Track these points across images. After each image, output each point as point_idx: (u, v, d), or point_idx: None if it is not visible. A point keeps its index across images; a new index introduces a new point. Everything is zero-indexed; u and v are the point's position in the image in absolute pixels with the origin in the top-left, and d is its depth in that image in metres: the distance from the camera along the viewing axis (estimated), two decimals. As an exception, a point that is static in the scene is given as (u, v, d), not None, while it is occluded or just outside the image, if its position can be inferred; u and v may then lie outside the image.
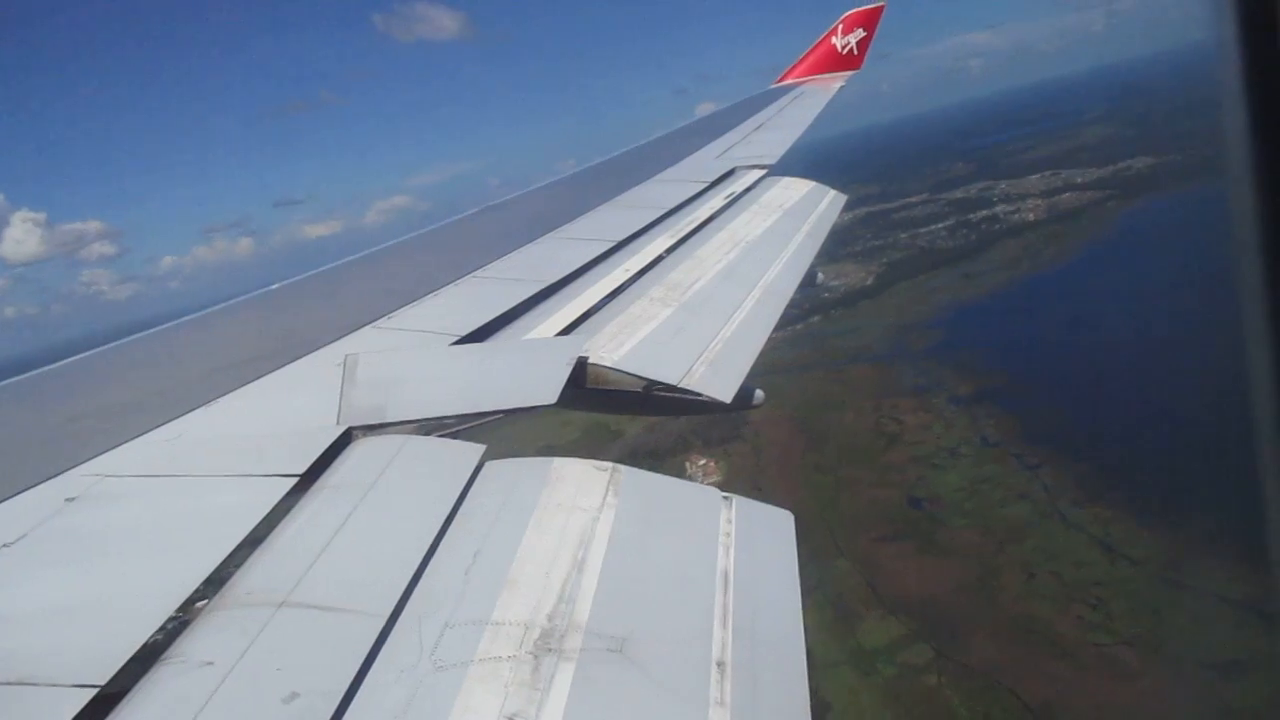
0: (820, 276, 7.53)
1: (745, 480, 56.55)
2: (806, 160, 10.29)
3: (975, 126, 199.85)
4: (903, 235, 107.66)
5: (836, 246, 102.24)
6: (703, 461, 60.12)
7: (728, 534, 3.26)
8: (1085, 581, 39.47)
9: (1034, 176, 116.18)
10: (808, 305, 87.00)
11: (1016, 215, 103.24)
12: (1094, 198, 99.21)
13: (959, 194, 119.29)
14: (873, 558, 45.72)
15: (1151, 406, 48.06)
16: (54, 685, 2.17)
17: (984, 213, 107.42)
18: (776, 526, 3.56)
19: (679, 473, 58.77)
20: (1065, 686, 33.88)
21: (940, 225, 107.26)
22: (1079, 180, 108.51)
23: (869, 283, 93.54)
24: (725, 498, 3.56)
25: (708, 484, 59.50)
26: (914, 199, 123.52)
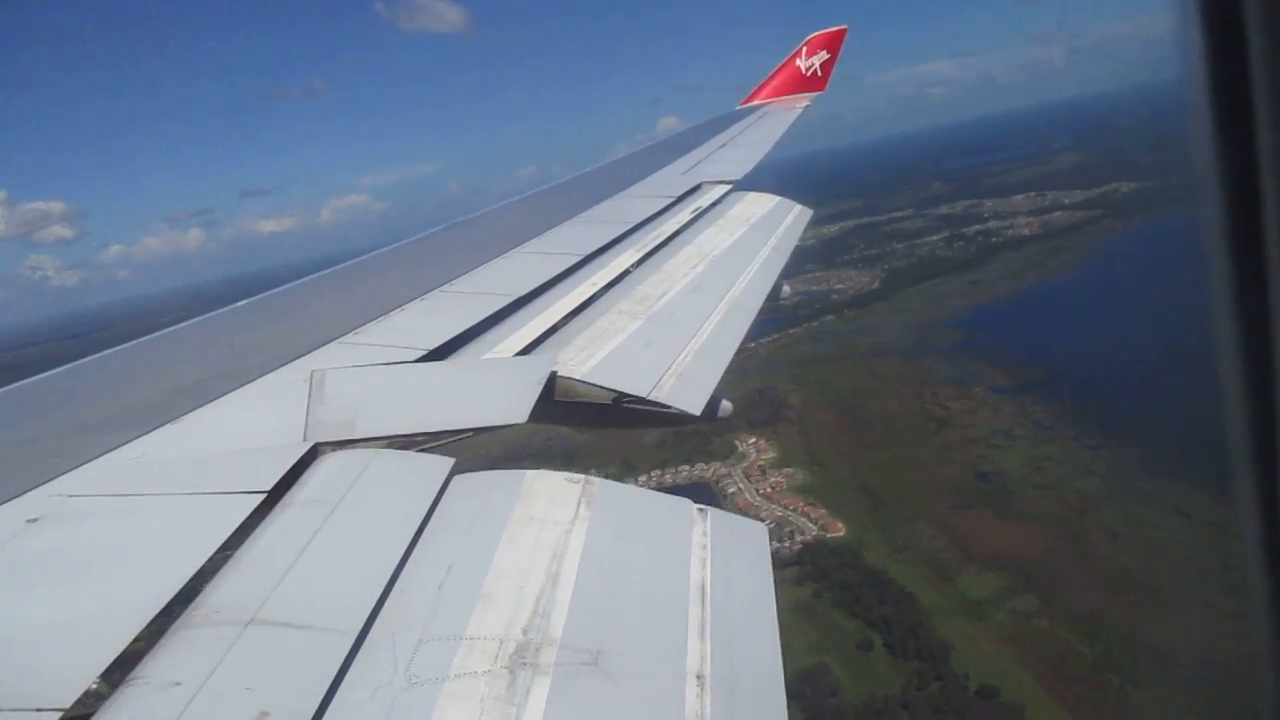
0: (786, 289, 7.55)
1: (802, 456, 59.11)
2: (776, 178, 10.56)
3: (944, 151, 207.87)
4: (899, 245, 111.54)
5: (834, 254, 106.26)
6: (752, 440, 62.17)
7: (704, 546, 3.33)
8: (1172, 542, 42.16)
9: (1019, 196, 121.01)
10: (819, 305, 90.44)
11: (1011, 230, 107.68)
12: (1087, 216, 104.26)
13: (945, 210, 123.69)
14: (953, 523, 48.41)
15: (1193, 398, 51.65)
16: (17, 710, 2.20)
17: (977, 227, 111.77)
18: (751, 539, 3.63)
19: (730, 451, 61.03)
20: (1179, 628, 36.70)
21: (935, 238, 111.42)
22: (1066, 201, 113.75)
23: (875, 286, 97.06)
24: (700, 509, 3.62)
25: (763, 461, 61.30)
26: (900, 214, 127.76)
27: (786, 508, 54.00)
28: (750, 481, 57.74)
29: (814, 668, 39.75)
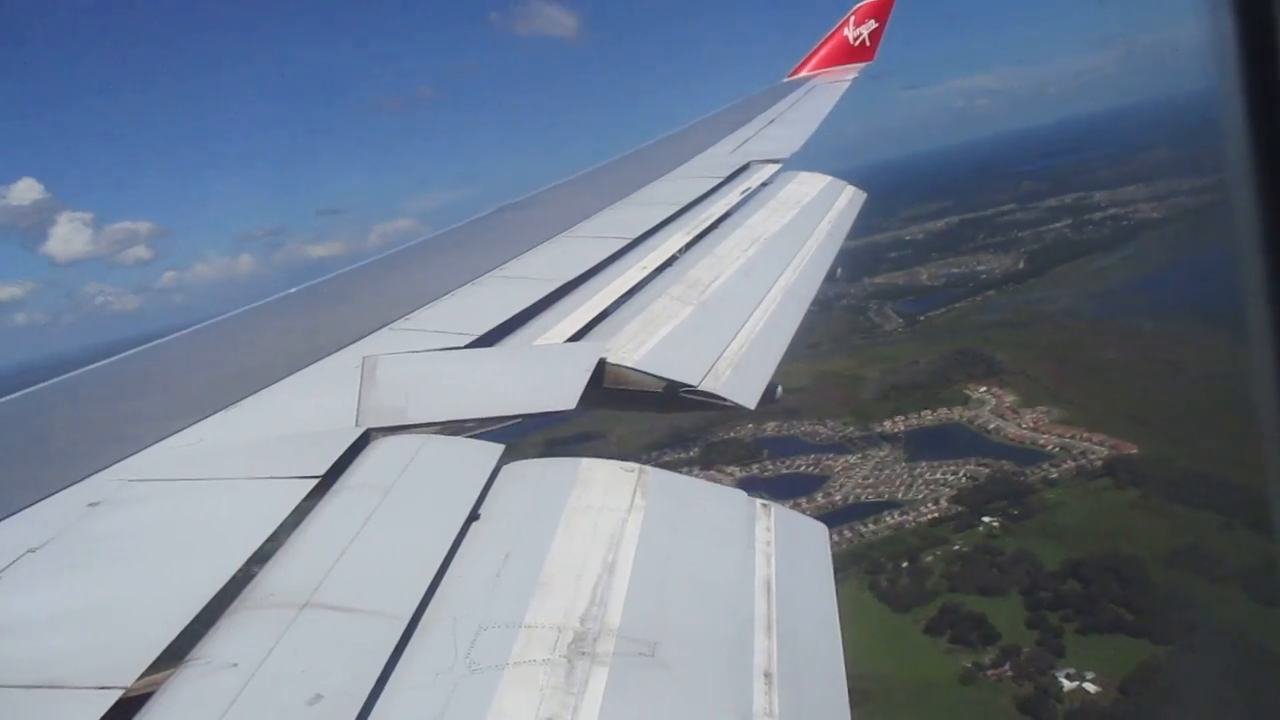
0: (840, 272, 7.60)
1: (1047, 397, 61.92)
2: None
3: (1016, 155, 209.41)
4: (1022, 234, 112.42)
5: (955, 243, 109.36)
6: (983, 389, 64.72)
7: (768, 542, 3.44)
8: None
9: (1129, 187, 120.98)
10: (971, 284, 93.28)
11: (1139, 214, 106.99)
12: (1218, 198, 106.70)
13: (1053, 203, 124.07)
14: (1251, 436, 51.73)
15: None
16: (79, 688, 2.34)
17: (1100, 214, 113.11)
18: (812, 537, 3.72)
19: (963, 399, 64.17)
20: None
21: (1059, 224, 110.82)
22: (1184, 187, 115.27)
23: (1022, 266, 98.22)
24: (764, 504, 3.72)
25: (1008, 403, 64.25)
26: (1004, 208, 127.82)
27: (1062, 436, 55.92)
28: (1007, 420, 60.10)
29: (1185, 546, 42.97)
